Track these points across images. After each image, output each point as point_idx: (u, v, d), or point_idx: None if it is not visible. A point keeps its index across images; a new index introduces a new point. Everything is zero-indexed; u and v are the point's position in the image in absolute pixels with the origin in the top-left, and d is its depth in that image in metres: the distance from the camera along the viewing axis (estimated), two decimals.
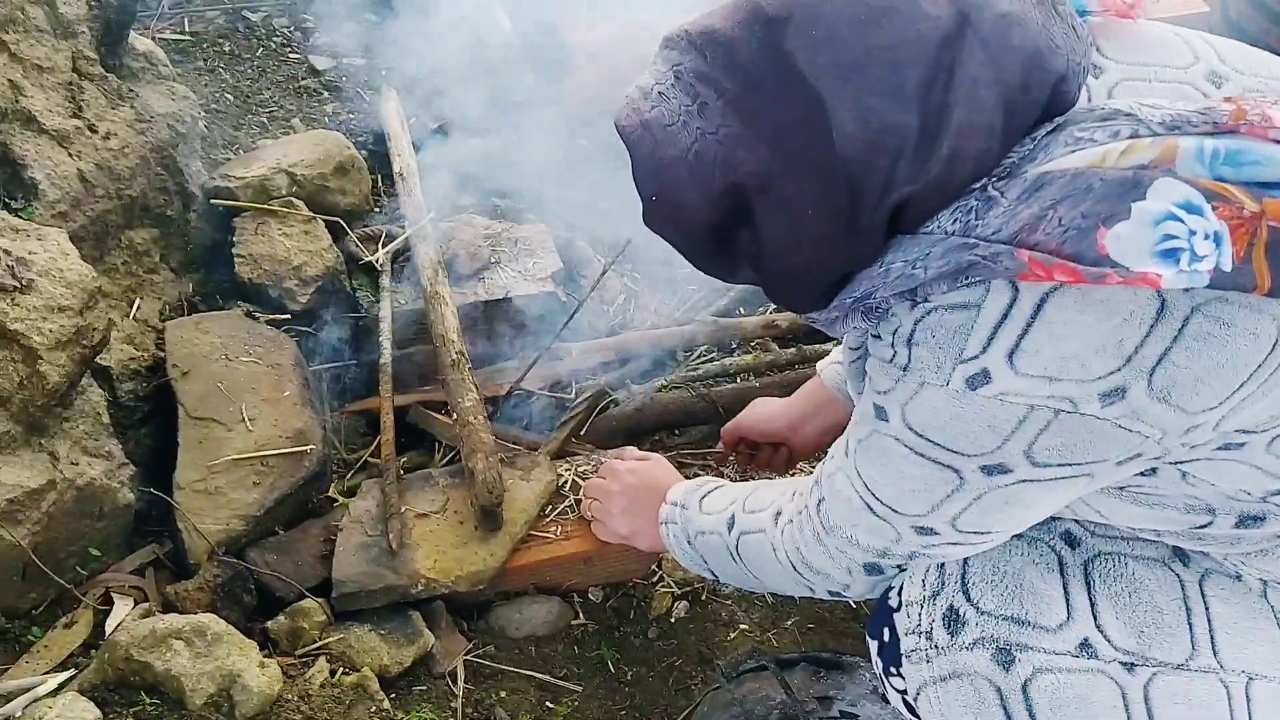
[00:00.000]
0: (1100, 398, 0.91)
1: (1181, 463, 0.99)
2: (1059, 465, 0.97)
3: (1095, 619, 1.09)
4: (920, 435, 1.00)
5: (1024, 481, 0.99)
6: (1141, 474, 1.02)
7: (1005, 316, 0.91)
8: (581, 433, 1.96)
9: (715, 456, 1.94)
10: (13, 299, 1.45)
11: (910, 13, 0.89)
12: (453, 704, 1.56)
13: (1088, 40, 0.97)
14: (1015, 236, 0.88)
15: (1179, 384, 0.90)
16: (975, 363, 0.93)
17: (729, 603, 1.77)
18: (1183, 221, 0.82)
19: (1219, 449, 0.97)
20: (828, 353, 2.12)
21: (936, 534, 1.09)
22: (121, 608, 1.55)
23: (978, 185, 0.92)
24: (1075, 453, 0.96)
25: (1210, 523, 1.05)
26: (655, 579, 1.78)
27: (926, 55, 0.89)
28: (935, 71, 0.89)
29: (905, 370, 0.98)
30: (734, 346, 2.22)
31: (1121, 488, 1.05)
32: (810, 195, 0.93)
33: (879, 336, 1.03)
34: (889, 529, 1.11)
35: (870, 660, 1.55)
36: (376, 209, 2.34)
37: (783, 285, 1.04)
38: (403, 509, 1.66)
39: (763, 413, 1.74)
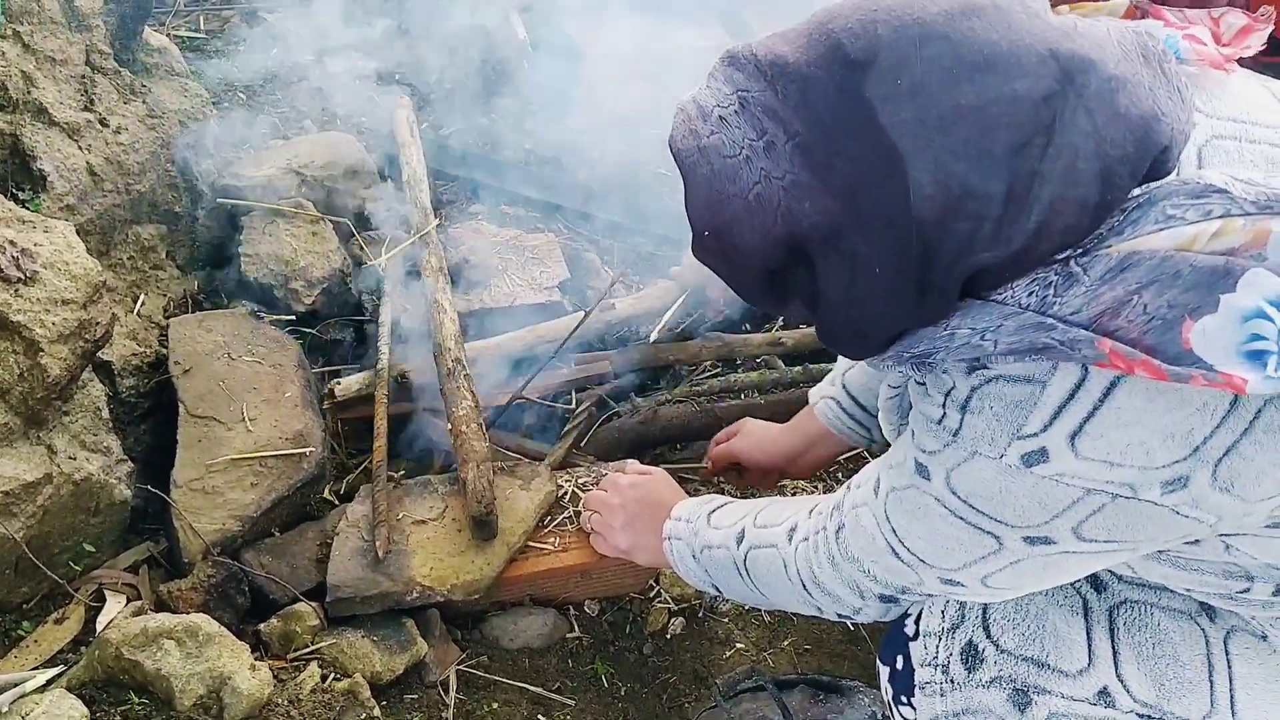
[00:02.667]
0: (1161, 485, 0.88)
1: (1227, 535, 0.97)
2: (1105, 541, 0.95)
3: (1116, 668, 1.07)
4: (964, 501, 0.98)
5: (1066, 553, 0.97)
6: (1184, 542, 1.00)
7: (1071, 397, 0.88)
8: (583, 444, 1.95)
9: (700, 473, 1.92)
10: (16, 290, 1.44)
11: (1007, 68, 0.82)
12: (444, 714, 1.54)
13: (1190, 103, 0.91)
14: (1095, 320, 0.83)
15: (1243, 475, 0.87)
16: (1034, 440, 0.90)
17: (726, 621, 1.75)
18: (1272, 321, 0.78)
19: (1267, 526, 0.94)
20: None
21: (962, 586, 1.07)
22: (113, 605, 1.54)
23: (1060, 258, 0.87)
24: (1125, 532, 0.93)
25: (1248, 589, 1.03)
26: (652, 594, 1.76)
27: (1020, 118, 0.82)
28: (1030, 136, 0.82)
29: (955, 436, 0.95)
30: (739, 362, 2.20)
31: (1161, 552, 1.03)
32: (878, 253, 0.87)
33: (924, 386, 1.00)
34: (912, 574, 1.09)
35: (869, 686, 1.55)
36: (384, 213, 2.33)
37: (838, 334, 0.97)
38: (400, 515, 1.65)
39: (757, 439, 1.70)
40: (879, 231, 0.86)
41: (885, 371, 1.06)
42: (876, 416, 1.48)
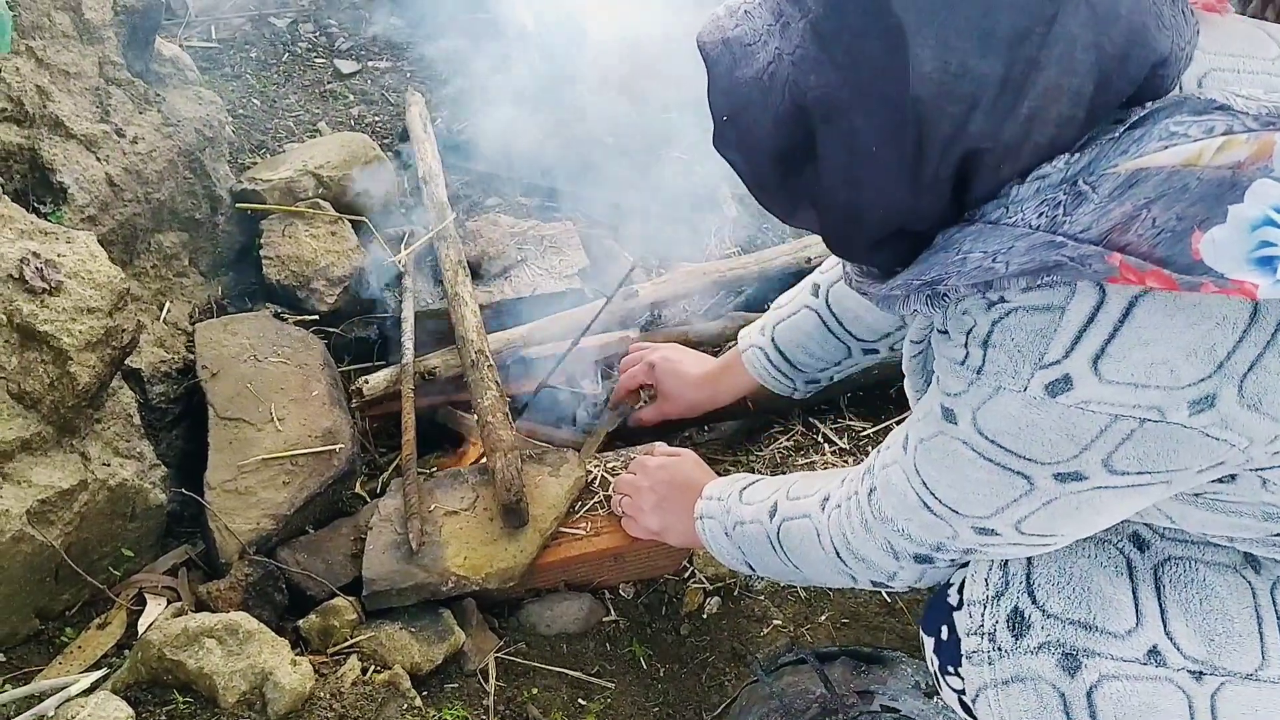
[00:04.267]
0: (1189, 405, 0.87)
1: (1263, 469, 0.95)
2: (1138, 474, 0.94)
3: (1165, 625, 1.05)
4: (991, 441, 0.97)
5: (1099, 489, 0.96)
6: (1219, 481, 0.98)
7: (1091, 320, 0.87)
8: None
9: (611, 400, 1.96)
10: (42, 301, 1.46)
11: None
12: (485, 701, 1.55)
13: (1194, 28, 0.92)
14: (1105, 236, 0.83)
15: (1270, 391, 0.86)
16: (1056, 368, 0.89)
17: (761, 598, 1.74)
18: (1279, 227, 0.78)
19: None
20: None
21: (997, 535, 1.06)
22: (154, 607, 1.56)
23: (1067, 179, 0.87)
24: (1157, 461, 0.92)
25: None
26: (687, 575, 1.76)
27: (1024, 4, 0.83)
28: (1031, 22, 0.83)
29: (979, 373, 0.95)
30: None
31: (1197, 494, 1.02)
32: (875, 132, 0.89)
33: (947, 333, 0.99)
34: (945, 527, 1.09)
35: (911, 655, 1.54)
36: (402, 210, 2.34)
37: (838, 225, 0.99)
38: (431, 507, 1.66)
39: (680, 374, 1.83)
40: (876, 107, 0.88)
41: (902, 311, 1.05)
42: (800, 369, 1.64)
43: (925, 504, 1.08)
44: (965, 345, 0.96)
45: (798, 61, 0.91)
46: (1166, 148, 0.84)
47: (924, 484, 1.07)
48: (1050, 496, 0.98)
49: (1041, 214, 0.88)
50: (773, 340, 1.65)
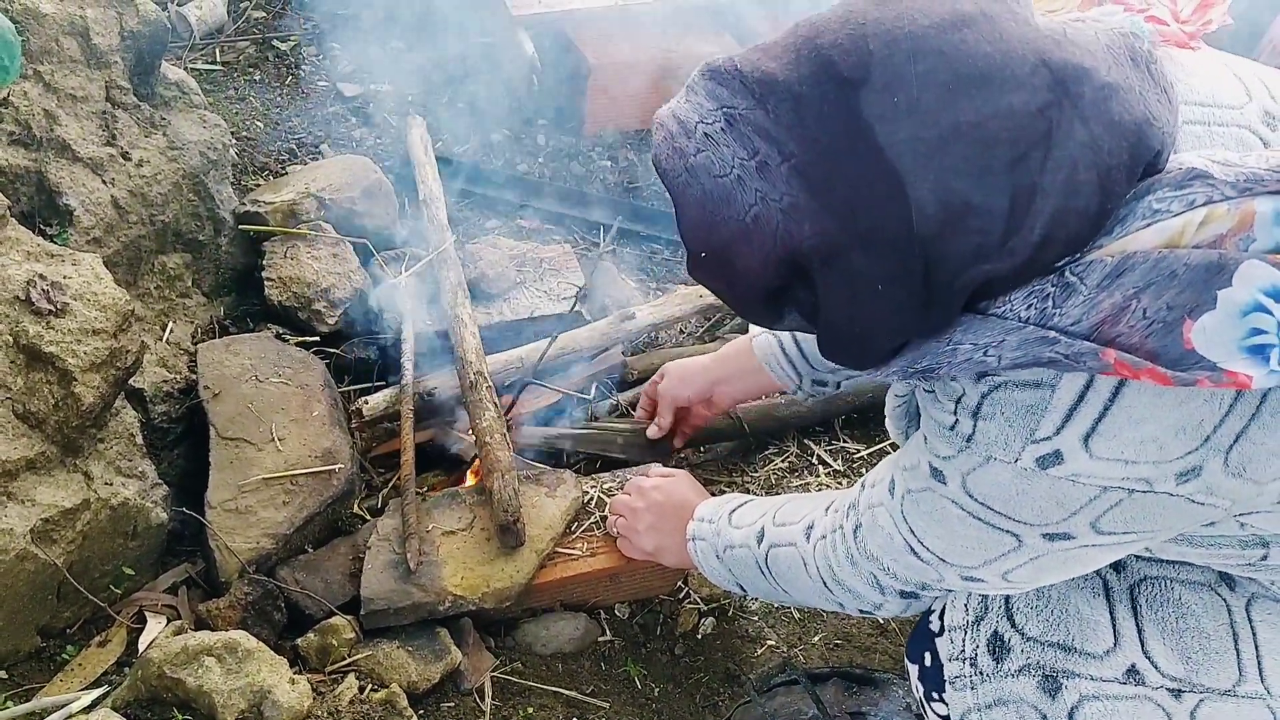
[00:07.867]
0: (1176, 477, 0.90)
1: (1241, 515, 0.98)
2: (1124, 533, 0.97)
3: (1142, 645, 1.08)
4: (981, 503, 0.99)
5: (1085, 546, 0.99)
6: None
7: (1081, 399, 0.89)
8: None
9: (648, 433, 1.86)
10: (48, 322, 1.48)
11: (1002, 81, 0.81)
12: None
13: (1176, 103, 0.90)
14: (1096, 329, 0.84)
15: (1254, 459, 0.89)
16: (1048, 444, 0.91)
17: (755, 619, 1.76)
18: (1270, 313, 0.79)
19: (1278, 502, 0.96)
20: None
21: (983, 581, 1.08)
22: (154, 625, 1.57)
23: (1056, 266, 0.86)
24: (1143, 523, 0.95)
25: (1265, 555, 1.04)
26: (682, 595, 1.78)
27: (1019, 133, 0.81)
28: (1027, 149, 0.81)
29: (969, 441, 0.97)
30: None
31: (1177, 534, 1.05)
32: (880, 271, 0.86)
33: (934, 394, 1.01)
34: (932, 571, 1.11)
35: (903, 677, 1.55)
36: (403, 232, 2.37)
37: (840, 346, 0.96)
38: (429, 527, 1.68)
39: (680, 373, 1.74)
40: (881, 251, 0.85)
41: (888, 382, 1.08)
42: (811, 364, 1.55)
43: (912, 549, 1.11)
44: (954, 413, 0.98)
45: (787, 210, 0.87)
46: (1149, 225, 0.84)
47: (911, 532, 1.10)
48: (1038, 553, 1.01)
49: (1030, 305, 0.87)
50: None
